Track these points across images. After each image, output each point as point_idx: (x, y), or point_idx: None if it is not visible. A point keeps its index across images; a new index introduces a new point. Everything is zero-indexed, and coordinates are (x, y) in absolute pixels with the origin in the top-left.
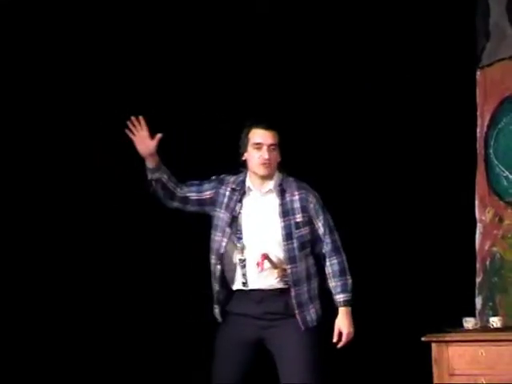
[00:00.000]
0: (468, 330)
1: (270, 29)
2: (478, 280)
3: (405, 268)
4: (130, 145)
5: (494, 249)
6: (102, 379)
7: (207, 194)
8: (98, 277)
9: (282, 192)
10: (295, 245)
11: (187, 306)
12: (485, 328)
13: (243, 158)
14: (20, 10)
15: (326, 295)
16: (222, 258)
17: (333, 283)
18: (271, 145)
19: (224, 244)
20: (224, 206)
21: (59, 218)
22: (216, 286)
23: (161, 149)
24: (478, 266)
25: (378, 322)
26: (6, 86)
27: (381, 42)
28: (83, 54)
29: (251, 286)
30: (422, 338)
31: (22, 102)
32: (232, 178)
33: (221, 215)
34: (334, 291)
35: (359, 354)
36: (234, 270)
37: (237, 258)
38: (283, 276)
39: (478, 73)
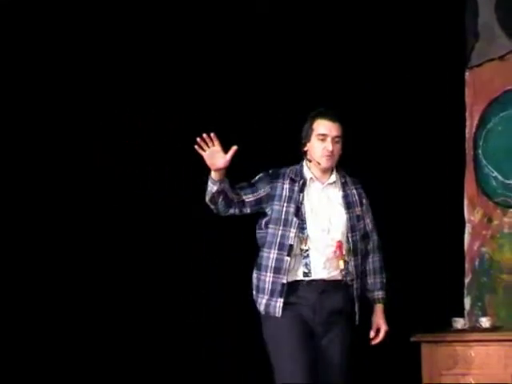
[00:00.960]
0: (457, 330)
1: (269, 29)
2: (466, 280)
3: (394, 268)
4: (130, 145)
5: (483, 249)
6: (102, 379)
7: (263, 192)
8: (98, 276)
9: (343, 184)
10: (358, 237)
11: (187, 305)
12: (474, 328)
13: (305, 149)
14: (20, 10)
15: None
16: (290, 249)
17: (372, 279)
18: (336, 137)
19: (292, 235)
20: (285, 198)
21: (59, 218)
22: (282, 279)
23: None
24: (466, 266)
25: (368, 322)
26: (6, 87)
27: (370, 43)
28: (83, 54)
29: (314, 276)
30: (412, 338)
31: (22, 103)
32: (288, 170)
33: (282, 208)
34: (372, 287)
35: (350, 353)
36: (294, 261)
37: (298, 247)
38: (345, 268)
39: (467, 73)
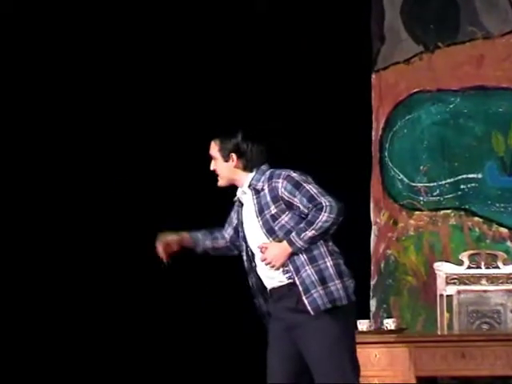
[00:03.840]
0: (362, 332)
1: (268, 27)
2: (372, 282)
3: None
4: (130, 145)
5: (389, 251)
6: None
7: (235, 219)
8: (98, 277)
9: (255, 191)
10: (281, 236)
11: (187, 307)
12: (379, 330)
13: None
14: (22, 12)
15: None
16: (249, 272)
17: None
18: (210, 156)
19: (245, 258)
20: (236, 223)
21: (59, 218)
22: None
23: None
24: (372, 268)
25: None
26: (6, 87)
27: (276, 45)
28: (85, 56)
29: (268, 287)
30: None
31: (23, 104)
32: None
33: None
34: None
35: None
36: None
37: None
38: (286, 271)
39: (373, 76)
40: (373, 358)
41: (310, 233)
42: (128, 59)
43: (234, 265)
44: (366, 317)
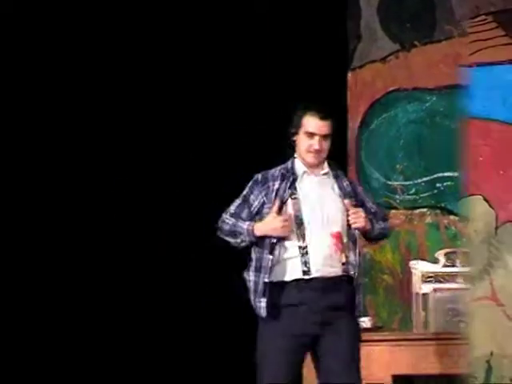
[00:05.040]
0: None
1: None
2: None
3: None
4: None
5: (365, 249)
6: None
7: (258, 203)
8: (97, 277)
9: (336, 176)
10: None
11: (187, 306)
12: None
13: (294, 138)
14: (22, 12)
15: None
16: (273, 248)
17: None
18: (325, 135)
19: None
20: (273, 197)
21: (59, 218)
22: (264, 278)
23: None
24: None
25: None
26: (7, 88)
27: (253, 42)
28: (85, 55)
29: (315, 273)
30: None
31: (23, 103)
32: (278, 169)
33: (269, 210)
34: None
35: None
36: (291, 259)
37: (295, 245)
38: (347, 262)
39: (349, 74)
40: None
41: (383, 227)
42: (127, 59)
43: (234, 264)
44: None
